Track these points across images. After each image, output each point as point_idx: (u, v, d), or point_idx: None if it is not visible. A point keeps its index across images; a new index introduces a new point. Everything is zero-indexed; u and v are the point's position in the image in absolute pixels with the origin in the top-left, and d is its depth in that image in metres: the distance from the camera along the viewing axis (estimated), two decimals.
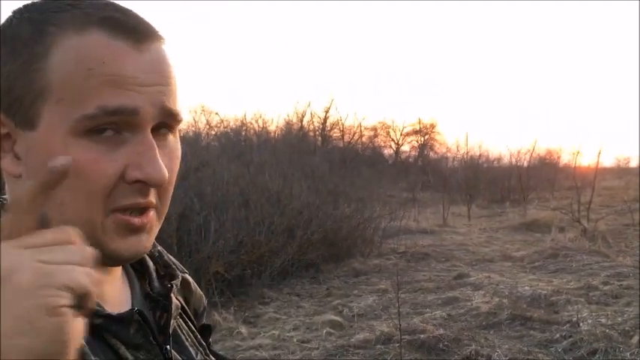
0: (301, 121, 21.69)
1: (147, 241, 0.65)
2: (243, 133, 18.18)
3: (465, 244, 10.54)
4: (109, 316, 0.64)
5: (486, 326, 5.63)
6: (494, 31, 48.30)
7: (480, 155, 23.02)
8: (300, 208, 8.51)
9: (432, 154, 28.02)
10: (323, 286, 7.51)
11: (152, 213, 0.65)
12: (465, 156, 23.01)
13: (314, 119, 22.49)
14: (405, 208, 12.74)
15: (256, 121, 20.77)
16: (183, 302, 0.78)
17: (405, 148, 28.49)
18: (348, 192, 10.93)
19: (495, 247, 10.39)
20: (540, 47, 51.62)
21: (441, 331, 5.30)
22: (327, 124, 23.10)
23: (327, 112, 22.63)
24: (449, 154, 26.78)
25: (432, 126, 28.42)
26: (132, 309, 0.68)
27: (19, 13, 0.63)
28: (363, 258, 8.97)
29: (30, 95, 0.60)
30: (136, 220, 0.63)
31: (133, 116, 0.60)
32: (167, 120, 0.64)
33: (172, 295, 0.73)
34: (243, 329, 5.55)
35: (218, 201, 7.72)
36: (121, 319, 0.65)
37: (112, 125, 0.60)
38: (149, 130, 0.62)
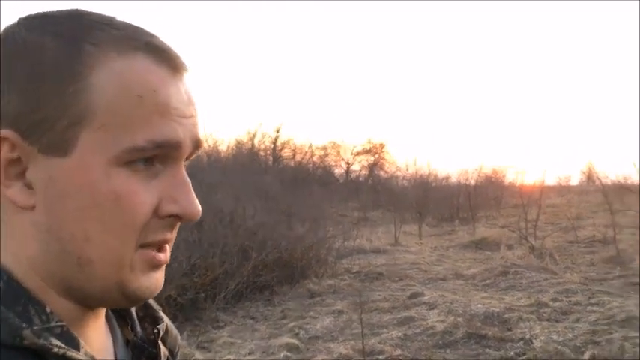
0: (252, 140, 21.61)
1: (162, 278, 0.61)
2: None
3: (417, 262, 10.63)
4: None
5: (443, 345, 5.65)
6: (441, 53, 49.60)
7: (429, 174, 23.45)
8: (254, 228, 8.41)
9: (382, 173, 28.34)
10: (278, 308, 7.41)
11: (168, 248, 0.61)
12: (415, 175, 23.38)
13: (265, 139, 22.44)
14: (357, 228, 12.78)
15: (206, 141, 20.57)
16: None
17: (356, 167, 28.73)
18: (301, 212, 10.90)
19: (447, 265, 10.52)
20: (485, 70, 53.32)
21: (399, 351, 5.29)
22: (278, 143, 23.09)
23: (278, 131, 22.62)
24: (399, 174, 27.17)
25: (382, 146, 28.78)
26: (131, 355, 0.64)
27: (39, 25, 0.56)
28: (318, 279, 8.92)
29: (66, 118, 0.54)
30: (162, 256, 0.59)
31: (175, 150, 0.57)
32: (194, 151, 0.61)
33: (160, 342, 0.68)
34: (198, 354, 5.39)
35: None
36: None
37: (152, 157, 0.56)
38: (182, 164, 0.59)
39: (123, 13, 0.61)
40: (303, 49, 44.04)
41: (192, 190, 0.59)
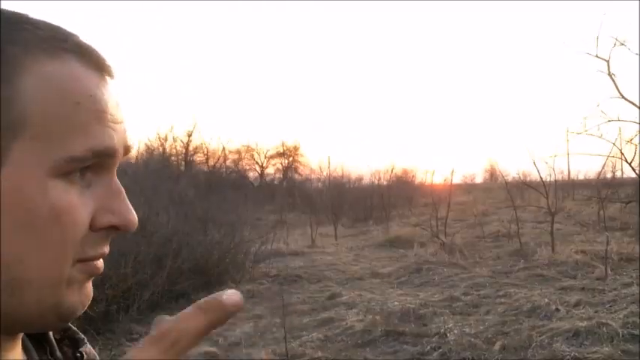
0: (163, 145, 21.05)
1: (91, 289, 0.57)
2: None
3: (334, 263, 10.75)
4: None
5: (362, 344, 5.74)
6: (352, 54, 50.55)
7: (342, 176, 23.79)
8: (169, 236, 8.17)
9: (296, 176, 28.48)
10: None
11: (102, 261, 0.57)
12: (329, 177, 23.65)
13: (177, 143, 21.93)
14: (274, 231, 12.75)
15: None
16: None
17: (270, 170, 28.70)
18: (217, 217, 10.72)
19: (363, 264, 10.71)
20: (395, 72, 54.86)
21: (319, 353, 5.32)
22: (191, 148, 22.64)
23: (190, 135, 22.18)
24: (313, 176, 27.39)
25: (296, 148, 28.95)
26: None
27: None
28: (236, 284, 8.80)
29: None
30: (99, 265, 0.55)
31: (111, 157, 0.54)
32: (124, 158, 0.57)
33: None
34: None
35: None
36: None
37: (85, 166, 0.52)
38: (115, 171, 0.55)
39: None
40: (216, 50, 43.45)
41: (127, 199, 0.55)
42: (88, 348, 0.66)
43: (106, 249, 0.55)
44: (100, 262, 0.56)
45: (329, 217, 16.78)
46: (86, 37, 0.55)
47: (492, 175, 37.75)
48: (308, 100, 47.97)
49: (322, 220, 16.85)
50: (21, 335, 0.58)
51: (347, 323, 6.34)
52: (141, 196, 9.34)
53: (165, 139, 21.21)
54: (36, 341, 0.62)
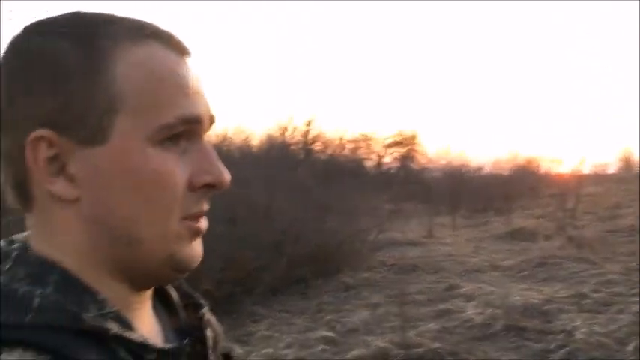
0: (283, 134, 21.66)
1: (201, 246, 0.64)
2: (225, 148, 18.06)
3: (452, 254, 10.53)
4: (162, 350, 0.60)
5: (482, 338, 5.59)
6: (473, 40, 48.94)
7: (461, 165, 23.17)
8: (288, 223, 8.42)
9: (413, 165, 28.15)
10: (313, 302, 7.42)
11: (205, 218, 0.64)
12: (447, 166, 23.14)
13: (296, 132, 22.47)
14: (390, 220, 12.71)
15: (238, 136, 20.70)
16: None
17: (387, 159, 28.60)
18: (335, 205, 10.87)
19: (483, 256, 10.39)
20: (519, 57, 52.40)
21: (437, 344, 5.25)
22: (309, 137, 23.09)
23: (309, 125, 22.62)
24: (431, 165, 26.92)
25: (413, 137, 28.56)
26: (181, 339, 0.65)
27: (48, 30, 0.59)
28: (352, 272, 8.90)
29: (95, 110, 0.58)
30: (202, 223, 0.63)
31: (198, 124, 0.61)
32: (209, 127, 0.65)
33: (204, 325, 0.71)
34: (237, 348, 5.43)
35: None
36: (173, 352, 0.62)
37: (178, 134, 0.60)
38: (204, 137, 0.63)
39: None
40: (334, 40, 43.87)
41: (219, 159, 0.62)
42: (207, 311, 0.73)
43: (206, 207, 0.63)
44: (203, 222, 0.63)
45: (447, 208, 16.44)
46: (164, 24, 0.63)
47: (627, 164, 34.99)
48: (427, 88, 47.17)
49: (440, 210, 16.54)
50: (150, 293, 0.66)
51: (465, 315, 6.20)
52: (262, 184, 9.70)
53: (286, 129, 21.82)
54: (165, 306, 0.71)
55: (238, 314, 6.76)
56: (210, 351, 0.69)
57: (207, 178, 0.61)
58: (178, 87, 0.60)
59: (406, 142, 28.55)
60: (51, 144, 0.57)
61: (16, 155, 0.58)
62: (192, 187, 0.61)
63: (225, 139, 19.26)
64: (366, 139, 27.81)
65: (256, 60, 40.74)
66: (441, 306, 6.72)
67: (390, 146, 28.79)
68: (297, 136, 22.47)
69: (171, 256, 0.60)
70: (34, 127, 0.57)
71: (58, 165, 0.58)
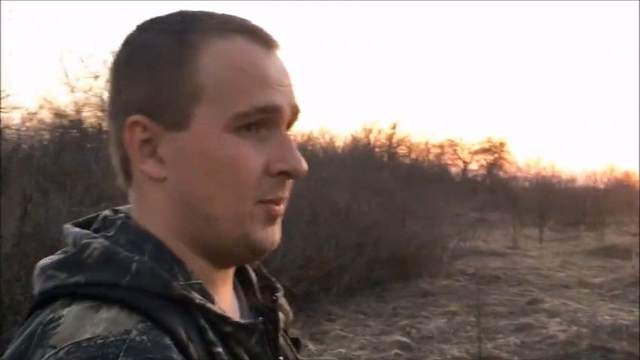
0: (368, 136, 21.64)
1: (279, 232, 0.68)
2: (310, 148, 18.28)
3: (537, 267, 10.14)
4: (238, 324, 0.65)
5: (564, 356, 5.35)
6: (568, 46, 46.85)
7: (552, 175, 22.24)
8: (369, 224, 8.41)
9: (501, 173, 27.31)
10: (390, 305, 7.37)
11: (282, 205, 0.68)
12: (537, 176, 22.28)
13: (381, 135, 22.38)
14: (473, 229, 12.41)
15: (323, 136, 20.89)
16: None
17: (473, 166, 27.91)
18: (416, 210, 10.74)
19: (571, 272, 9.93)
20: (617, 64, 49.64)
21: (516, 358, 5.08)
22: (394, 140, 22.94)
23: (394, 128, 22.47)
24: (519, 174, 26.01)
25: (502, 144, 27.72)
26: (257, 319, 0.69)
27: (152, 27, 0.67)
28: (431, 278, 8.77)
29: (182, 98, 0.63)
30: (277, 209, 0.66)
31: (276, 113, 0.65)
32: (294, 117, 0.68)
33: (277, 307, 0.75)
34: (310, 345, 5.50)
35: (286, 215, 7.73)
36: (247, 328, 0.66)
37: (256, 122, 0.64)
38: (284, 127, 0.66)
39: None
40: (421, 43, 43.35)
41: (296, 149, 0.66)
42: (281, 295, 0.77)
43: (282, 193, 0.66)
44: (279, 207, 0.67)
45: (534, 219, 15.82)
46: (254, 19, 0.68)
47: None
48: (519, 93, 45.61)
49: (526, 221, 15.94)
50: (231, 272, 0.71)
51: (548, 332, 5.96)
52: (344, 184, 9.75)
53: (371, 131, 21.80)
54: (244, 286, 0.76)
55: (314, 312, 6.83)
56: (280, 332, 0.73)
57: (283, 166, 0.65)
58: (257, 78, 0.64)
59: (494, 149, 27.76)
60: (145, 128, 0.64)
61: (120, 138, 0.65)
62: (269, 173, 0.64)
63: (309, 138, 19.49)
64: (452, 144, 27.28)
65: (343, 60, 40.95)
66: (522, 320, 6.49)
67: (477, 152, 28.10)
68: (382, 139, 22.38)
69: (245, 237, 0.65)
70: (131, 112, 0.64)
71: (151, 147, 0.64)
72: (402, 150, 23.30)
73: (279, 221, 0.68)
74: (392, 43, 41.40)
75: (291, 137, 0.67)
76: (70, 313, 0.57)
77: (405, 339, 5.80)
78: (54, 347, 0.54)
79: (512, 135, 35.08)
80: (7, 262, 5.06)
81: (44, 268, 0.63)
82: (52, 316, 0.58)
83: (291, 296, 6.79)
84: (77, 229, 0.66)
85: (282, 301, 0.77)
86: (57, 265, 0.62)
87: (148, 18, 0.68)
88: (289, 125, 0.68)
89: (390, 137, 22.61)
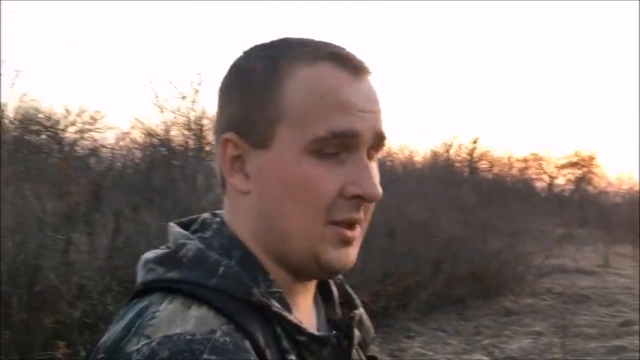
0: (448, 151, 21.29)
1: (353, 254, 0.71)
2: (389, 163, 18.20)
3: (631, 287, 9.57)
4: (311, 336, 0.68)
5: None
6: None
7: None
8: (448, 240, 8.27)
9: (590, 188, 26.06)
10: (471, 324, 7.19)
11: (358, 228, 0.70)
12: (630, 191, 21.08)
13: (461, 150, 21.97)
14: (560, 246, 11.90)
15: (402, 151, 20.75)
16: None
17: (560, 181, 26.80)
18: (498, 226, 10.44)
19: None
20: None
21: None
22: (475, 155, 22.44)
23: (475, 142, 21.99)
24: (610, 189, 24.73)
25: (591, 158, 26.47)
26: (331, 332, 0.73)
27: (253, 52, 0.73)
28: (515, 297, 8.48)
29: (266, 120, 0.68)
30: (349, 233, 0.69)
31: (354, 139, 0.68)
32: (377, 143, 0.71)
33: (354, 324, 0.77)
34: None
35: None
36: (320, 340, 0.69)
37: (335, 146, 0.67)
38: (364, 152, 0.69)
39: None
40: (503, 54, 42.31)
41: (373, 175, 0.69)
42: (360, 311, 0.79)
43: (357, 215, 0.69)
44: (353, 232, 0.69)
45: (627, 236, 14.96)
46: (348, 46, 0.71)
47: None
48: (608, 105, 43.48)
49: (619, 239, 15.10)
50: (311, 286, 0.75)
51: None
52: (424, 199, 9.64)
53: (450, 146, 21.44)
54: (325, 299, 0.79)
55: (393, 329, 6.77)
56: (354, 348, 0.76)
57: (357, 190, 0.68)
58: (336, 104, 0.67)
59: (583, 163, 26.56)
60: (235, 145, 0.70)
61: (218, 152, 0.72)
62: (343, 196, 0.68)
63: (388, 154, 19.42)
64: (537, 158, 26.34)
65: (422, 74, 40.63)
66: (614, 342, 6.15)
67: (563, 167, 26.97)
68: (462, 154, 21.95)
69: (316, 255, 0.68)
70: (227, 130, 0.71)
71: (240, 163, 0.70)
72: (483, 165, 22.74)
73: (355, 243, 0.70)
74: (472, 55, 40.66)
75: (375, 162, 0.70)
76: (165, 308, 0.63)
77: (487, 358, 5.64)
78: (148, 337, 0.60)
79: (601, 148, 33.41)
80: (100, 274, 5.37)
81: (147, 261, 0.70)
82: (149, 308, 0.64)
83: (370, 312, 6.74)
84: (178, 229, 0.72)
85: (364, 318, 0.80)
86: (157, 260, 0.69)
87: (253, 45, 0.74)
88: (374, 150, 0.71)
89: (470, 152, 22.14)
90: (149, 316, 0.63)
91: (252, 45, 0.73)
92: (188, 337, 0.59)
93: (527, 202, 19.38)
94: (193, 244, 0.68)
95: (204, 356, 0.58)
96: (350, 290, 0.81)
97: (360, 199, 0.68)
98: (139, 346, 0.60)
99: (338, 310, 0.78)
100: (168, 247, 0.71)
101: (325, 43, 0.71)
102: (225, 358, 0.59)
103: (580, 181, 26.39)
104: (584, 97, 43.50)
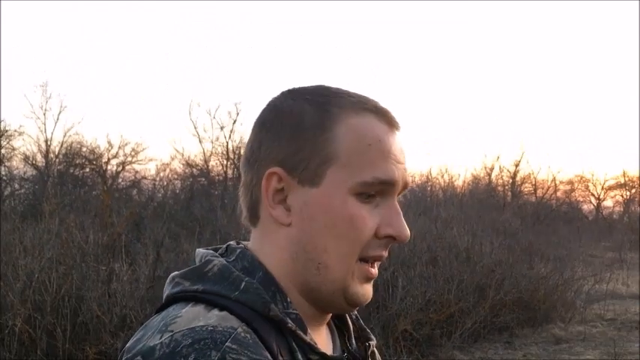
0: (489, 175, 20.97)
1: (371, 291, 0.78)
2: (429, 189, 18.02)
3: None
4: (323, 355, 0.73)
5: None
6: None
7: None
8: (492, 266, 8.05)
9: None
10: (519, 353, 6.94)
11: (376, 267, 0.77)
12: None
13: (503, 173, 21.60)
14: (611, 270, 11.46)
15: (442, 176, 20.53)
16: None
17: (608, 203, 26.03)
18: (544, 250, 10.15)
19: None
20: None
21: None
22: (518, 178, 22.02)
23: (517, 165, 21.59)
24: None
25: None
26: (343, 353, 0.80)
27: (299, 95, 0.78)
28: (564, 324, 8.16)
29: (318, 159, 0.74)
30: (373, 271, 0.77)
31: (391, 186, 0.75)
32: (402, 190, 0.78)
33: (369, 354, 0.83)
34: None
35: (405, 257, 7.61)
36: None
37: (375, 190, 0.74)
38: (396, 197, 0.77)
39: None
40: (544, 73, 41.72)
41: (403, 219, 0.76)
42: (374, 344, 0.85)
43: (383, 252, 0.77)
44: (374, 270, 0.77)
45: None
46: (384, 102, 0.80)
47: None
48: None
49: None
50: (327, 317, 0.81)
51: None
52: (465, 224, 9.46)
53: (492, 169, 21.12)
54: (341, 332, 0.85)
55: (437, 358, 6.58)
56: None
57: (390, 231, 0.75)
58: (381, 153, 0.74)
59: (631, 184, 25.75)
60: (280, 179, 0.75)
61: (254, 184, 0.77)
62: (377, 235, 0.75)
63: (428, 179, 19.24)
64: (583, 180, 25.70)
65: (459, 96, 40.31)
66: None
67: (611, 188, 26.21)
68: (504, 177, 21.57)
69: (345, 288, 0.75)
70: (271, 164, 0.75)
71: (282, 196, 0.75)
72: (526, 188, 22.30)
73: (372, 282, 0.78)
74: (512, 75, 40.22)
75: (399, 207, 0.77)
76: (188, 311, 0.68)
77: None
78: (171, 331, 0.65)
79: None
80: (141, 304, 5.40)
81: (174, 277, 0.76)
82: (173, 312, 0.69)
83: (413, 340, 6.61)
84: (205, 250, 0.79)
85: (377, 355, 0.86)
86: (183, 275, 0.75)
87: (294, 88, 0.80)
88: (398, 195, 0.78)
89: (513, 175, 21.75)
90: (172, 316, 0.68)
91: (292, 88, 0.80)
92: (210, 327, 0.65)
93: (574, 225, 18.86)
94: (219, 261, 0.74)
95: (227, 344, 0.63)
96: (364, 325, 0.87)
97: (391, 239, 0.76)
98: (163, 339, 0.64)
99: (353, 342, 0.84)
100: (193, 267, 0.77)
101: (365, 96, 0.79)
102: (246, 350, 0.63)
103: (629, 202, 25.57)
104: (630, 114, 42.39)
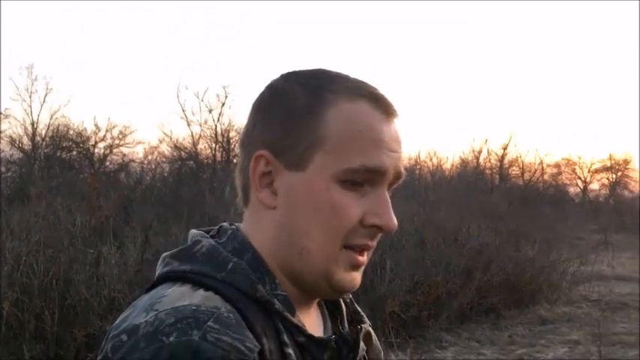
0: (477, 158, 21.07)
1: (359, 278, 0.76)
2: (417, 172, 18.09)
3: None
4: (311, 337, 0.73)
5: None
6: None
7: None
8: (479, 248, 8.13)
9: (626, 192, 25.49)
10: (505, 333, 7.04)
11: (366, 255, 0.76)
12: None
13: (491, 156, 21.72)
14: (596, 252, 11.61)
15: (430, 160, 20.62)
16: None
17: (594, 186, 26.29)
18: (530, 233, 10.25)
19: None
20: None
21: None
22: (505, 161, 22.16)
23: (505, 148, 21.73)
24: None
25: (626, 162, 25.94)
26: (330, 335, 0.77)
27: (295, 79, 0.77)
28: (550, 305, 8.28)
29: (305, 143, 0.73)
30: (360, 258, 0.75)
31: (381, 175, 0.73)
32: (395, 180, 0.76)
33: (360, 337, 0.81)
34: None
35: (393, 239, 7.66)
36: (320, 342, 0.74)
37: (362, 178, 0.73)
38: (385, 187, 0.75)
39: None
40: (532, 57, 41.81)
41: (391, 209, 0.74)
42: (368, 327, 0.83)
43: (370, 243, 0.75)
44: (362, 258, 0.75)
45: None
46: (382, 88, 0.78)
47: None
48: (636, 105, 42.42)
49: None
50: (314, 303, 0.80)
51: None
52: (453, 207, 9.52)
53: (480, 152, 21.22)
54: (333, 315, 0.84)
55: (425, 339, 6.65)
56: None
57: (377, 220, 0.73)
58: (372, 141, 0.72)
59: (617, 167, 26.03)
60: (267, 162, 0.74)
61: (246, 166, 0.76)
62: (363, 224, 0.73)
63: (417, 162, 19.29)
64: (570, 163, 25.92)
65: (450, 80, 40.31)
66: None
67: (597, 171, 26.47)
68: (492, 160, 21.69)
69: (328, 274, 0.73)
70: (260, 146, 0.75)
71: (269, 179, 0.75)
72: (514, 171, 22.45)
73: (361, 270, 0.76)
74: (501, 58, 40.27)
75: (388, 197, 0.75)
76: (174, 290, 0.69)
77: None
78: (156, 310, 0.66)
79: (636, 150, 32.62)
80: (130, 287, 5.41)
81: (164, 257, 0.76)
82: (159, 291, 0.70)
83: (400, 322, 6.66)
84: (196, 230, 0.79)
85: (374, 338, 0.84)
86: (173, 255, 0.75)
87: (291, 70, 0.79)
88: (390, 186, 0.76)
89: (501, 158, 21.88)
90: (159, 296, 0.68)
91: (291, 70, 0.78)
92: (193, 307, 0.65)
93: (561, 208, 19.04)
94: (208, 241, 0.74)
95: (209, 323, 0.63)
96: (358, 308, 0.85)
97: (377, 229, 0.74)
98: (148, 317, 0.65)
99: (346, 325, 0.82)
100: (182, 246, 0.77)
101: (363, 82, 0.77)
102: (228, 330, 0.63)
103: (615, 185, 25.83)
104: (617, 98, 42.65)
